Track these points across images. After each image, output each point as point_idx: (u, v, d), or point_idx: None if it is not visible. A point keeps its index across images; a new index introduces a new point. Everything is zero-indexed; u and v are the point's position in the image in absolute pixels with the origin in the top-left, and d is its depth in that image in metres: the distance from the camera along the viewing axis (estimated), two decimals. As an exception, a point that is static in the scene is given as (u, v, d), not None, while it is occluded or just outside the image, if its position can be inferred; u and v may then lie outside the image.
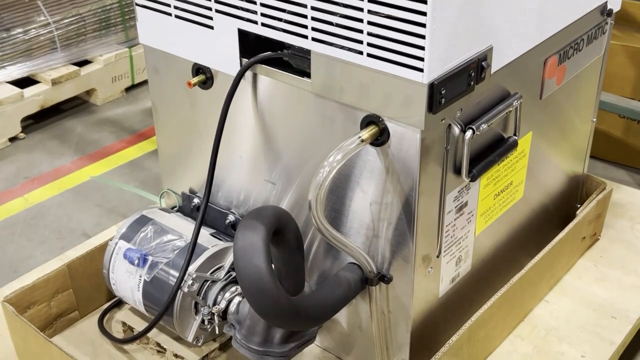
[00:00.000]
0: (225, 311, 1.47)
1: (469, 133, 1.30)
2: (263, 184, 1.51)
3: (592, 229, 1.85)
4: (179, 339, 1.57)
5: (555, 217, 1.82)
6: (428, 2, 1.10)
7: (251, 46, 1.36)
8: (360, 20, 1.18)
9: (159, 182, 1.75)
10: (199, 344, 1.54)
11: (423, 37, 1.12)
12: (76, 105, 3.16)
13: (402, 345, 1.44)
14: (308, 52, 1.27)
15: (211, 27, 1.39)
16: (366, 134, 1.24)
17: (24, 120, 2.92)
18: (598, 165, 2.58)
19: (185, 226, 1.58)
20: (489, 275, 1.61)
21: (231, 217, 1.58)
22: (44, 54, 3.01)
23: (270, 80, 1.37)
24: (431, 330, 1.48)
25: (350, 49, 1.22)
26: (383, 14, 1.15)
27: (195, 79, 1.46)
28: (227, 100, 1.38)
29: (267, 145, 1.46)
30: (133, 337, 1.57)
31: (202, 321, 1.49)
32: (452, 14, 1.15)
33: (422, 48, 1.13)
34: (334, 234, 1.30)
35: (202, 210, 1.43)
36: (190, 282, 1.44)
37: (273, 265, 1.26)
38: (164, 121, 1.64)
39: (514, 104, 1.40)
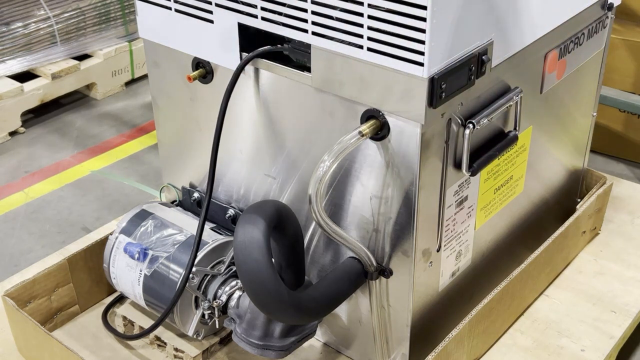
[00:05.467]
0: (225, 305, 1.47)
1: (469, 127, 1.30)
2: (263, 179, 1.51)
3: (592, 223, 1.85)
4: (179, 333, 1.57)
5: (555, 212, 1.82)
6: (428, -4, 1.10)
7: (251, 40, 1.36)
8: (361, 15, 1.18)
9: (159, 177, 1.75)
10: (200, 338, 1.54)
11: (423, 31, 1.12)
12: (76, 99, 3.16)
13: (402, 339, 1.45)
14: (308, 46, 1.27)
15: (211, 21, 1.39)
16: (366, 128, 1.24)
17: (24, 114, 2.92)
18: (598, 160, 2.58)
19: (185, 220, 1.58)
20: (489, 269, 1.61)
21: (231, 212, 1.58)
22: (43, 48, 3.01)
23: (270, 74, 1.37)
24: (431, 324, 1.48)
25: (350, 43, 1.22)
26: (383, 7, 1.15)
27: (195, 73, 1.46)
28: (227, 95, 1.37)
29: (267, 140, 1.46)
30: (139, 335, 1.56)
31: (203, 315, 1.50)
32: (452, 7, 1.15)
33: (423, 42, 1.13)
34: (334, 228, 1.30)
35: (206, 206, 1.42)
36: (190, 276, 1.44)
37: (273, 260, 1.26)
38: (164, 115, 1.64)
39: (514, 98, 1.39)
